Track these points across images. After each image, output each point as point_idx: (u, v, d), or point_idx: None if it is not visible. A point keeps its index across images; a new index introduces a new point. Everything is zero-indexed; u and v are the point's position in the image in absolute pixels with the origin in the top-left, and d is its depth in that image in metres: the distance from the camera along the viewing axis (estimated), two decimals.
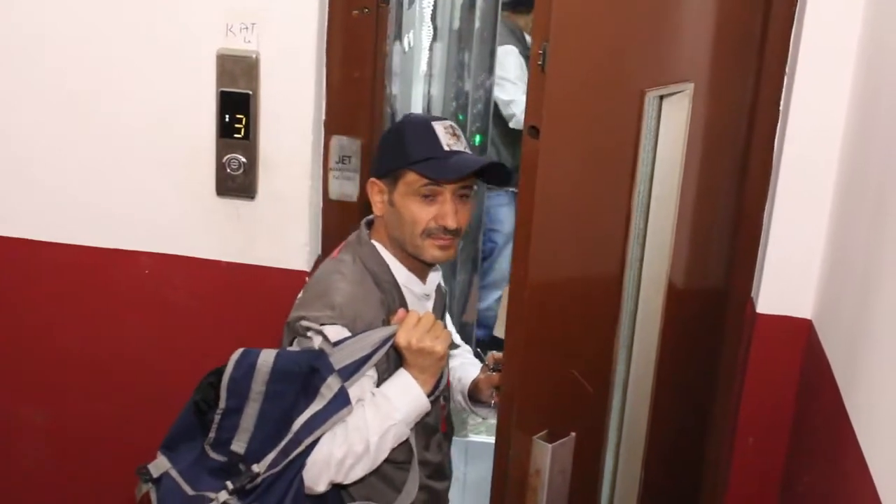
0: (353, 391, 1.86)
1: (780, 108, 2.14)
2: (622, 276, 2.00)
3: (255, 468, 1.84)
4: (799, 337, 2.16)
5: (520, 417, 1.88)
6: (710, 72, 2.10)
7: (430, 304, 2.06)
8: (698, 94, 2.02)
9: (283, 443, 1.84)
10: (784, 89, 2.13)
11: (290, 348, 1.94)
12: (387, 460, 1.92)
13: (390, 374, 1.92)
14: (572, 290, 1.93)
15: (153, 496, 1.94)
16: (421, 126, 1.91)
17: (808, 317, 2.15)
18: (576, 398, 1.98)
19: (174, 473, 1.92)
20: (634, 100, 1.88)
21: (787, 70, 2.12)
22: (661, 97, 2.01)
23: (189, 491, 1.91)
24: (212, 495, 1.86)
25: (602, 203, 1.93)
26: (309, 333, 1.89)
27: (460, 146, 1.91)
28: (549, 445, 1.89)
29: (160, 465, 1.94)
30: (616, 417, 2.21)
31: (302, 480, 1.85)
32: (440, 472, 2.09)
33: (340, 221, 2.34)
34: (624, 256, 1.99)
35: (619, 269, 1.99)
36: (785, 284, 2.16)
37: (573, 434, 1.94)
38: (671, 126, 2.03)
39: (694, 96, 2.01)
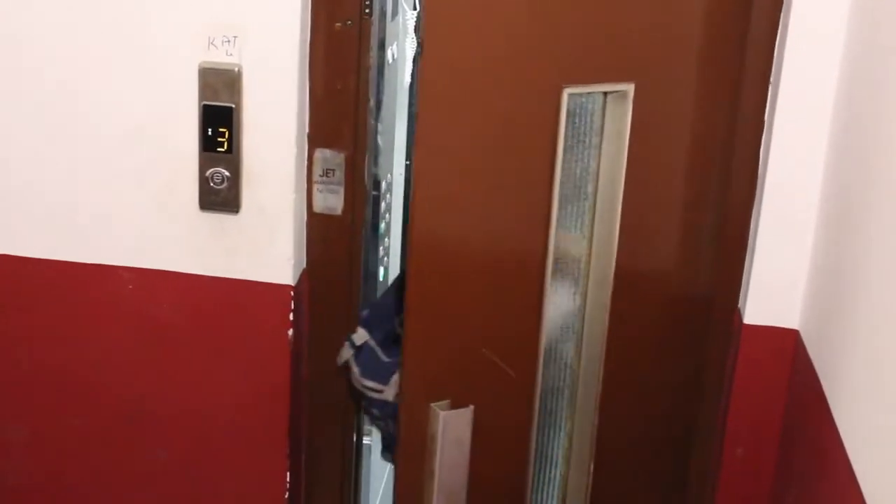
0: None
1: (766, 116, 2.14)
2: (544, 267, 2.08)
3: None
4: (786, 347, 2.15)
5: (418, 383, 2.06)
6: (668, 74, 2.12)
7: None
8: (647, 95, 2.06)
9: None
10: (769, 97, 2.13)
11: None
12: None
13: None
14: (474, 271, 2.05)
15: (353, 363, 2.33)
16: None
17: (795, 327, 2.15)
18: (483, 375, 2.11)
19: (372, 343, 2.32)
20: (549, 94, 1.98)
21: (771, 79, 2.12)
22: (605, 94, 2.06)
23: (384, 358, 2.29)
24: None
25: (507, 191, 2.03)
26: None
27: None
28: (441, 413, 2.04)
29: (361, 335, 2.34)
30: (563, 409, 2.29)
31: None
32: None
33: (325, 235, 2.33)
34: (545, 246, 2.07)
35: (539, 259, 2.07)
36: (772, 294, 2.15)
37: (472, 406, 2.08)
38: (615, 125, 2.10)
39: (642, 97, 2.06)
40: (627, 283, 2.19)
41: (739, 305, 2.23)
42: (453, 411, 2.06)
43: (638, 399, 2.35)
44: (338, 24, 2.20)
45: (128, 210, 2.25)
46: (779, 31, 2.09)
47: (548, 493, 2.37)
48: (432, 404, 2.05)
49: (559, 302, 2.20)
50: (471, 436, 2.08)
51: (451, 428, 2.05)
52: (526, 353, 2.13)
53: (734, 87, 2.16)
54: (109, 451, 2.44)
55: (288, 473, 2.39)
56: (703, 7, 2.11)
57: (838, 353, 1.86)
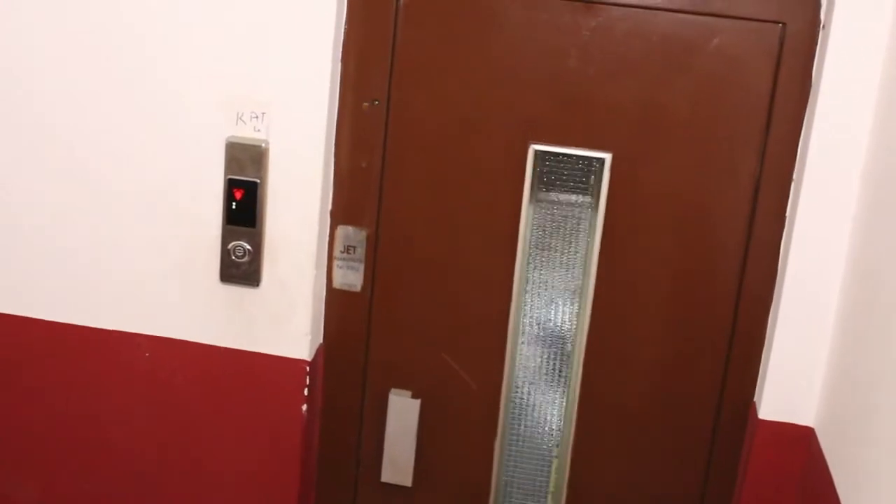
0: None
1: (787, 211, 2.15)
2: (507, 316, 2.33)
3: None
4: (801, 444, 2.14)
5: (379, 371, 2.40)
6: (664, 154, 2.19)
7: None
8: (631, 168, 2.20)
9: None
10: (791, 193, 2.14)
11: None
12: None
13: None
14: (437, 291, 2.35)
15: None
16: None
17: (811, 424, 2.14)
18: (447, 377, 2.38)
19: None
20: (514, 148, 2.23)
21: (794, 175, 2.13)
22: (601, 161, 2.21)
23: None
24: None
25: (471, 229, 2.30)
26: None
27: None
28: (390, 396, 2.38)
29: None
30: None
31: None
32: None
33: (343, 311, 2.33)
34: (510, 295, 2.31)
35: (504, 307, 2.33)
36: (788, 390, 2.14)
37: (419, 399, 2.38)
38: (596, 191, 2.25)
39: (625, 169, 2.21)
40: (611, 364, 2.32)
41: (755, 399, 2.22)
42: (400, 397, 2.38)
43: (642, 487, 2.34)
44: (365, 104, 2.22)
45: (148, 278, 2.27)
46: (802, 130, 2.11)
47: None
48: (392, 389, 2.39)
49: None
50: (417, 422, 2.39)
51: (396, 409, 2.38)
52: (492, 378, 2.38)
53: (753, 182, 2.17)
54: None
55: None
56: (714, 99, 2.14)
57: (852, 452, 1.86)
